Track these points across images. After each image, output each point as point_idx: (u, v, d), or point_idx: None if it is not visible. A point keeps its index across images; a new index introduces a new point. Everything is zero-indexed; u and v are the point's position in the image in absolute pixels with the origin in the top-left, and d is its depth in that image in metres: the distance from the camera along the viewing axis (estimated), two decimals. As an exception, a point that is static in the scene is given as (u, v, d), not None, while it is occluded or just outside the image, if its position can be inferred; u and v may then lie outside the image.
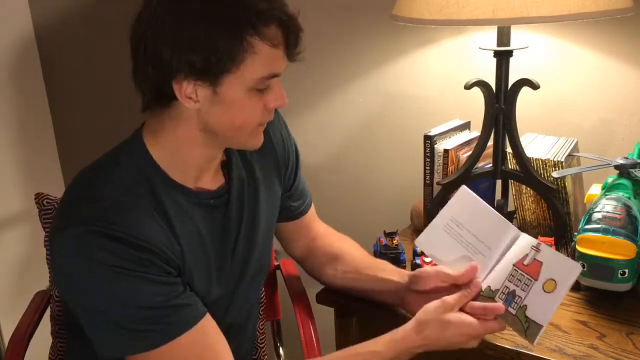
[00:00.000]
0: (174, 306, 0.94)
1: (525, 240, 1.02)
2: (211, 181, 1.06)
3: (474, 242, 1.06)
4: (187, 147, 1.00)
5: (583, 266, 1.13)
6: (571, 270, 0.96)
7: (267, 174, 1.16)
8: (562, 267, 0.97)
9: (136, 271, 0.91)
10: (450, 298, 1.00)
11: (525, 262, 1.00)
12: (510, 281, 1.00)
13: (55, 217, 0.99)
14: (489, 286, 1.02)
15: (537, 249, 1.00)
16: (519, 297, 0.98)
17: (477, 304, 1.00)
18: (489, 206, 1.07)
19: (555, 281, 0.96)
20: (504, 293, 1.00)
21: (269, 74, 0.95)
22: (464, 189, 1.10)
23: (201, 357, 0.95)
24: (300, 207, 1.26)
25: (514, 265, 1.01)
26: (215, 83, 0.92)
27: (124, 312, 0.91)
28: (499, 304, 0.99)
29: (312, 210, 1.30)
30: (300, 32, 0.97)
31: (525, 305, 0.97)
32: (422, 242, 1.11)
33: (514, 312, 0.98)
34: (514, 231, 1.04)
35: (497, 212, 1.06)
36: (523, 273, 0.99)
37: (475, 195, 1.09)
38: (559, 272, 0.96)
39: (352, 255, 1.24)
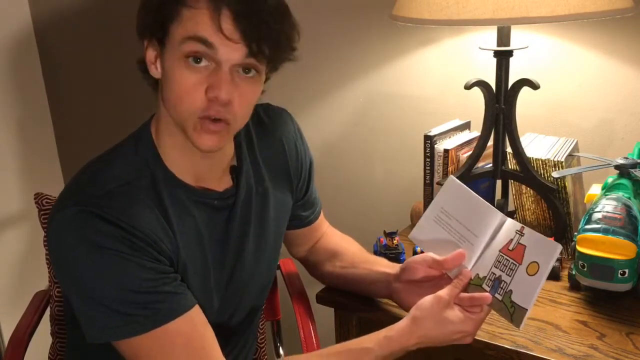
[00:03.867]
0: (163, 292, 0.94)
1: (510, 225, 1.02)
2: (217, 183, 1.06)
3: (462, 230, 1.05)
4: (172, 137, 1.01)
5: (576, 259, 1.13)
6: (552, 251, 0.95)
7: (277, 184, 1.15)
8: (543, 248, 0.96)
9: (125, 253, 0.91)
10: (443, 293, 1.00)
11: (510, 247, 1.00)
12: (496, 267, 1.00)
13: (55, 201, 1.00)
14: (478, 274, 1.02)
15: (521, 232, 1.00)
16: (505, 282, 0.98)
17: (464, 295, 1.00)
18: (475, 194, 1.07)
19: (537, 263, 0.96)
20: (490, 279, 1.00)
21: (194, 34, 0.89)
22: (451, 179, 1.10)
23: (188, 346, 0.95)
24: (309, 217, 1.27)
25: (500, 250, 1.01)
26: (163, 49, 0.94)
27: (112, 293, 0.91)
28: (486, 294, 0.99)
29: (321, 216, 1.31)
30: (274, 15, 0.91)
31: (511, 290, 0.97)
32: (415, 235, 1.11)
33: (500, 298, 0.98)
34: (500, 217, 1.04)
35: (483, 200, 1.06)
36: (508, 258, 0.99)
37: (462, 184, 1.09)
38: (540, 253, 0.96)
39: (351, 251, 1.25)
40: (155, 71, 0.97)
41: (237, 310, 1.13)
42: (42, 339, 1.39)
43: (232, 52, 0.90)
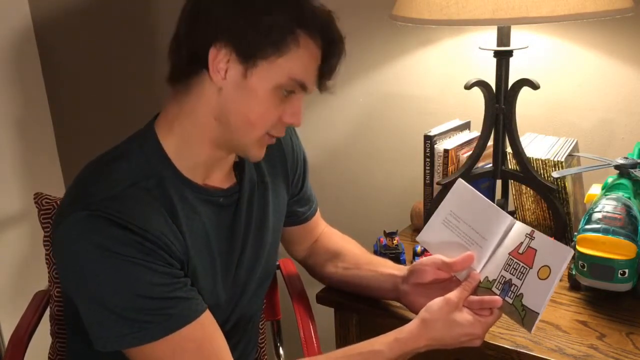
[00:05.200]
0: (175, 298, 0.93)
1: (520, 229, 1.02)
2: (222, 180, 1.06)
3: (471, 233, 1.06)
4: (199, 138, 0.99)
5: (576, 259, 1.13)
6: (563, 255, 0.96)
7: (275, 179, 1.16)
8: (554, 252, 0.97)
9: (137, 258, 0.90)
10: (452, 295, 1.00)
11: (520, 250, 1.00)
12: (506, 270, 1.00)
13: (60, 204, 0.99)
14: (487, 277, 1.02)
15: (531, 236, 1.00)
16: (515, 285, 0.98)
17: (474, 298, 1.00)
18: (484, 197, 1.07)
19: (549, 267, 0.96)
20: (500, 283, 1.00)
21: (300, 78, 0.95)
22: (459, 182, 1.10)
23: (200, 351, 0.94)
24: (306, 213, 1.27)
25: (509, 254, 1.01)
26: (249, 64, 0.92)
27: (123, 300, 0.90)
28: (496, 297, 0.99)
29: (318, 214, 1.31)
30: (342, 56, 0.99)
31: (522, 294, 0.97)
32: (423, 238, 1.12)
33: (510, 301, 0.98)
34: (509, 220, 1.04)
35: (491, 202, 1.06)
36: (518, 261, 0.99)
37: (471, 187, 1.09)
38: (552, 258, 0.96)
39: (353, 252, 1.25)
40: (220, 78, 0.93)
41: (238, 307, 1.12)
42: (42, 339, 1.39)
43: (313, 86, 0.99)
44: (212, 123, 0.97)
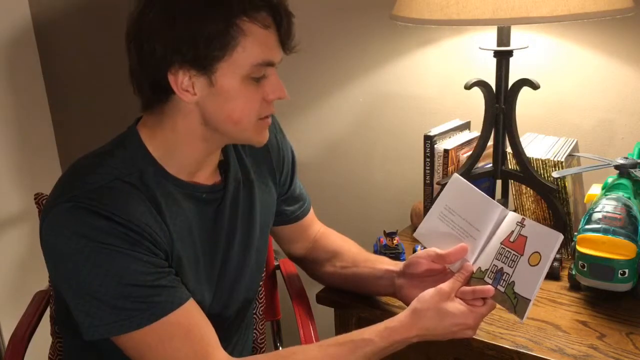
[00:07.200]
0: (159, 287, 0.94)
1: (512, 217, 1.03)
2: (207, 178, 1.07)
3: (465, 226, 1.06)
4: (186, 142, 1.00)
5: (576, 259, 1.13)
6: (553, 240, 0.96)
7: (262, 178, 1.16)
8: (544, 238, 0.97)
9: (122, 247, 0.92)
10: (445, 285, 1.00)
11: (512, 239, 1.00)
12: (498, 259, 1.00)
13: (47, 198, 1.00)
14: (480, 267, 1.03)
15: (521, 224, 1.00)
16: (507, 274, 0.98)
17: (467, 288, 1.01)
18: (478, 189, 1.08)
19: (539, 253, 0.96)
20: (492, 272, 1.00)
21: (263, 60, 0.95)
22: (455, 177, 1.11)
23: (187, 337, 0.95)
24: (296, 212, 1.27)
25: (501, 243, 1.01)
26: (209, 71, 0.93)
27: (109, 288, 0.92)
28: (488, 287, 0.99)
29: (311, 213, 1.30)
30: (292, 17, 0.98)
31: (513, 282, 0.97)
32: (420, 233, 1.12)
33: (502, 289, 0.98)
34: (501, 210, 1.04)
35: (484, 194, 1.07)
36: (510, 250, 1.00)
37: (465, 181, 1.09)
38: (542, 244, 0.97)
39: (351, 251, 1.25)
40: (190, 96, 0.94)
41: (228, 304, 1.13)
42: (42, 339, 1.39)
43: (279, 56, 0.99)
44: (199, 129, 0.99)
